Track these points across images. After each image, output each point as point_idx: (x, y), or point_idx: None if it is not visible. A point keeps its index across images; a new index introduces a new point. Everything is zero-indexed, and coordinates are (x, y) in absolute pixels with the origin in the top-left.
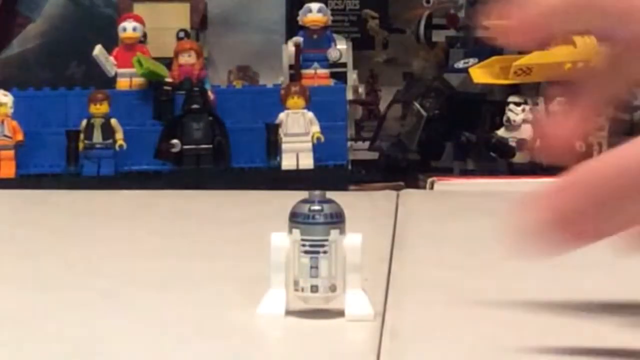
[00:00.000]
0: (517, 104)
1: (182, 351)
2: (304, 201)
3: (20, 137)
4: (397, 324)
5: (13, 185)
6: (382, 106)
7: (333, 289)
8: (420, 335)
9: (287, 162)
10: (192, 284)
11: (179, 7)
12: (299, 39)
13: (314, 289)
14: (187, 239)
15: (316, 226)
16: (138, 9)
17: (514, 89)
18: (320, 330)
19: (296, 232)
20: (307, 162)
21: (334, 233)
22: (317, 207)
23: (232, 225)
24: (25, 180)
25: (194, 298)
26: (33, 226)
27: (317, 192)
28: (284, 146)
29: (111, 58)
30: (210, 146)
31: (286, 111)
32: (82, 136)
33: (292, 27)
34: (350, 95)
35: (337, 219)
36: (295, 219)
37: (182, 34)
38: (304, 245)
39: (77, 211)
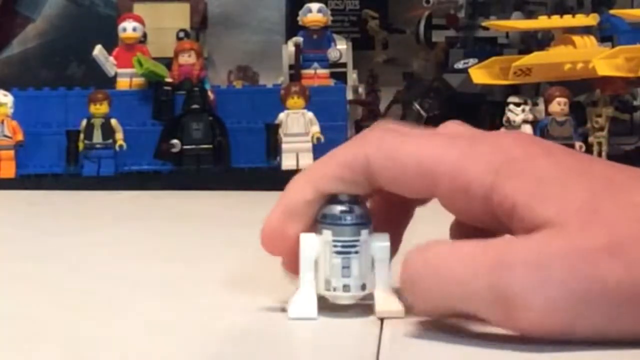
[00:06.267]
0: (517, 105)
1: (181, 353)
2: (333, 202)
3: (20, 137)
4: (396, 326)
5: (13, 185)
6: (382, 106)
7: (363, 287)
8: (418, 337)
9: (287, 162)
10: (192, 286)
11: (179, 7)
12: (299, 39)
13: (346, 288)
14: (187, 240)
15: (347, 227)
16: (138, 9)
17: (514, 90)
18: (325, 331)
19: (327, 233)
20: (307, 162)
21: (364, 233)
22: (346, 208)
23: (232, 225)
24: (25, 180)
25: (194, 300)
26: (33, 227)
27: (345, 194)
28: (284, 146)
29: (111, 58)
30: (210, 146)
31: (286, 111)
32: (82, 136)
33: (292, 27)
34: (350, 95)
35: (366, 220)
36: (326, 220)
37: (182, 34)
38: (335, 246)
39: (77, 211)
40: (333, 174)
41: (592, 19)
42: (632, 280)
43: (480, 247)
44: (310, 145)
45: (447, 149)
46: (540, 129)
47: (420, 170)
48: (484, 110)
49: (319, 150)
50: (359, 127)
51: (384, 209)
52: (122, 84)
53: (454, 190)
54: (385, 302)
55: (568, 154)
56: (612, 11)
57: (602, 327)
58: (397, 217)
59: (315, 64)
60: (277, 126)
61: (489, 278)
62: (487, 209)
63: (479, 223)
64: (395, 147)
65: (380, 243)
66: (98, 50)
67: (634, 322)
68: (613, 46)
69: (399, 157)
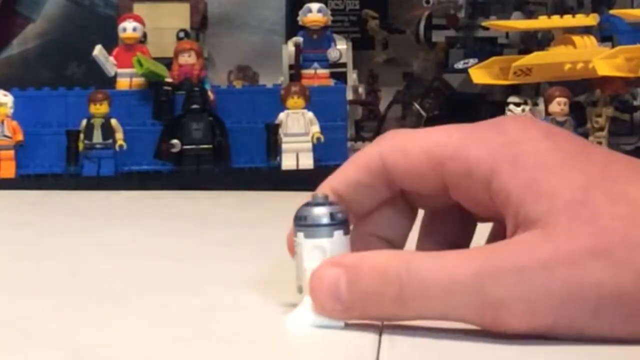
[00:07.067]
0: (517, 104)
1: (182, 354)
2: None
3: (20, 137)
4: (396, 329)
5: (13, 185)
6: (382, 106)
7: (300, 290)
8: (418, 340)
9: (287, 162)
10: (192, 286)
11: (179, 7)
12: (299, 39)
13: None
14: (187, 240)
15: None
16: (138, 9)
17: (514, 90)
18: (324, 333)
19: None
20: (307, 162)
21: (300, 236)
22: (298, 209)
23: (232, 225)
24: (25, 180)
25: (194, 300)
26: (33, 227)
27: (318, 194)
28: (284, 146)
29: (111, 58)
30: (210, 146)
31: (286, 111)
32: (82, 136)
33: (292, 27)
34: (350, 95)
35: (303, 222)
36: None
37: (182, 34)
38: None
39: (77, 211)
40: (351, 179)
41: (592, 19)
42: (615, 281)
43: (464, 256)
44: (310, 145)
45: (450, 133)
46: None
47: (428, 159)
48: (484, 110)
49: (319, 150)
50: (359, 127)
51: (444, 225)
52: (122, 84)
53: (458, 173)
54: (295, 312)
55: (568, 139)
56: (612, 11)
57: (584, 327)
58: (459, 232)
59: (315, 64)
60: (277, 126)
61: (474, 286)
62: (489, 195)
63: (487, 214)
64: (405, 141)
65: (306, 248)
66: (98, 50)
67: (618, 322)
68: (613, 46)
69: (409, 150)
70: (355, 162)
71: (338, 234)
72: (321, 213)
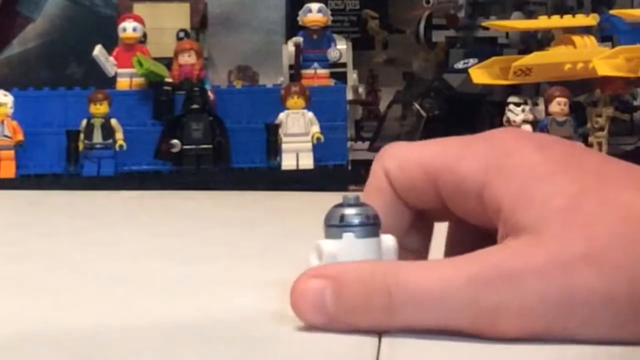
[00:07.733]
0: (517, 105)
1: (182, 354)
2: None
3: (20, 137)
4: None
5: (13, 185)
6: (382, 106)
7: None
8: (418, 340)
9: (287, 162)
10: (192, 286)
11: (179, 7)
12: (299, 39)
13: None
14: (187, 240)
15: None
16: (138, 9)
17: (514, 90)
18: (324, 333)
19: None
20: (307, 162)
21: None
22: None
23: (232, 225)
24: (25, 180)
25: (194, 300)
26: (33, 227)
27: (349, 195)
28: (284, 146)
29: (111, 58)
30: (210, 146)
31: (286, 111)
32: (82, 136)
33: (292, 27)
34: (350, 95)
35: (326, 222)
36: None
37: (182, 34)
38: None
39: (77, 212)
40: (380, 205)
41: (592, 19)
42: (608, 286)
43: (455, 264)
44: (310, 145)
45: (445, 146)
46: (540, 129)
47: (424, 174)
48: (484, 110)
49: (319, 150)
50: (359, 127)
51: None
52: (122, 84)
53: (451, 186)
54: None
55: (561, 149)
56: (612, 11)
57: (578, 331)
58: (484, 243)
59: (315, 64)
60: (277, 126)
61: (468, 293)
62: (481, 207)
63: (482, 224)
64: (403, 156)
65: (311, 248)
66: (98, 50)
67: (611, 325)
68: (613, 46)
69: (408, 165)
70: (367, 189)
71: (348, 236)
72: (335, 214)
